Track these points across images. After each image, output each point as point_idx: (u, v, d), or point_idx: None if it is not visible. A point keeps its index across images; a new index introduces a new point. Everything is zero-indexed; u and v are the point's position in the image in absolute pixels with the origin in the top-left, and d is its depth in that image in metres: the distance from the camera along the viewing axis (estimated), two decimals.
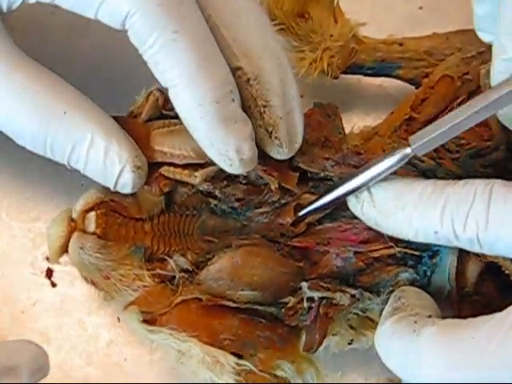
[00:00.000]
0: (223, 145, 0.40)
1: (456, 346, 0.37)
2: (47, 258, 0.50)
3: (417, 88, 0.49)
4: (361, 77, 0.52)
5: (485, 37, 0.43)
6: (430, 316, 0.40)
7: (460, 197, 0.39)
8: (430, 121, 0.46)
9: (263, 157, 0.43)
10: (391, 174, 0.42)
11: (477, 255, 0.42)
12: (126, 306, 0.42)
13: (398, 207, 0.41)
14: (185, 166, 0.42)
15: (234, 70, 0.42)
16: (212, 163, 0.41)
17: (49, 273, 0.50)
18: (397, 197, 0.41)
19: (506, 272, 0.42)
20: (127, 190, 0.41)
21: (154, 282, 0.42)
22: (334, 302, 0.43)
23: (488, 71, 0.42)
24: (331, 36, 0.48)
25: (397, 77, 0.50)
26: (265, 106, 0.42)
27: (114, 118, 0.43)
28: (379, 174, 0.41)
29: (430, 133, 0.40)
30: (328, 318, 0.43)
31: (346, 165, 0.44)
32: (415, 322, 0.39)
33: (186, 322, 0.41)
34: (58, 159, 0.41)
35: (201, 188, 0.42)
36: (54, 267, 0.50)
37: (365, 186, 0.42)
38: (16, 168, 0.51)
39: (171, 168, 0.42)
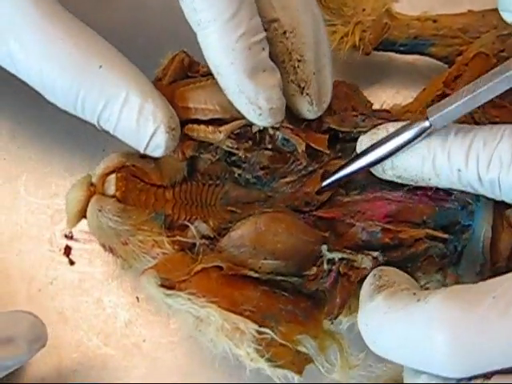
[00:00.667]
0: (253, 92, 0.38)
1: (477, 307, 0.33)
2: (66, 236, 0.49)
3: (450, 66, 0.48)
4: (392, 54, 0.50)
5: (508, 17, 0.42)
6: None
7: (487, 135, 0.38)
8: None
9: (289, 121, 0.41)
10: None
11: (511, 225, 0.41)
12: (144, 270, 0.40)
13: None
14: (209, 123, 0.41)
15: (271, 22, 0.41)
16: (237, 118, 0.40)
17: (67, 250, 0.49)
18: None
19: None
20: (159, 153, 0.40)
21: (174, 249, 0.40)
22: (355, 264, 0.41)
23: None
24: (364, 10, 0.47)
25: (430, 54, 0.48)
26: (299, 61, 0.41)
27: None
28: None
29: (448, 104, 0.38)
30: (350, 281, 0.41)
31: (377, 117, 0.42)
32: (414, 293, 0.35)
33: (205, 290, 0.39)
34: (88, 117, 0.40)
35: (224, 146, 0.41)
36: (73, 245, 0.49)
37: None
38: (35, 144, 0.50)
39: (195, 125, 0.41)
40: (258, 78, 0.39)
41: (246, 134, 0.41)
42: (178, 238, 0.41)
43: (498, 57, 0.45)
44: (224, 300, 0.39)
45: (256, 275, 0.40)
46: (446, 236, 0.42)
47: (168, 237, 0.40)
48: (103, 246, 0.41)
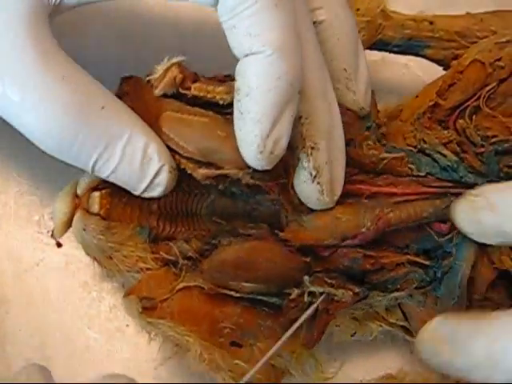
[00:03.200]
0: (269, 128, 0.37)
1: None
2: None
3: (445, 69, 0.47)
4: (386, 54, 0.49)
5: None
6: None
7: None
8: (456, 108, 0.44)
9: None
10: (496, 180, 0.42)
11: (491, 263, 0.41)
12: (126, 293, 0.41)
13: None
14: (188, 159, 0.40)
15: None
16: (214, 164, 0.40)
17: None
18: None
19: None
20: (157, 192, 0.40)
21: (157, 264, 0.41)
22: (335, 298, 0.42)
23: None
24: (358, 10, 0.46)
25: (425, 56, 0.47)
26: (312, 148, 0.40)
27: (133, 77, 0.41)
28: None
29: None
30: (328, 314, 0.42)
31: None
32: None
33: (186, 309, 0.41)
34: (82, 162, 0.38)
35: (203, 183, 0.40)
36: None
37: None
38: None
39: (177, 156, 0.40)
40: (282, 118, 0.37)
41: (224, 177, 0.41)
42: (162, 254, 0.41)
43: (494, 66, 0.44)
44: (204, 320, 0.41)
45: (237, 295, 0.41)
46: (426, 263, 0.43)
47: (152, 252, 0.41)
48: (89, 255, 0.42)
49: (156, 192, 0.40)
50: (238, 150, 0.39)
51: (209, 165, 0.40)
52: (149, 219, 0.42)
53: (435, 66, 0.48)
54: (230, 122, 0.39)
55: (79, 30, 0.51)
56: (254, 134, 0.37)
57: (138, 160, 0.38)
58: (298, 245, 0.41)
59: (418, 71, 0.52)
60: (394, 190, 0.43)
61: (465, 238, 0.42)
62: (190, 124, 0.40)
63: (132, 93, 0.40)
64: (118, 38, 0.51)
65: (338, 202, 0.42)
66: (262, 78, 0.37)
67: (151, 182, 0.39)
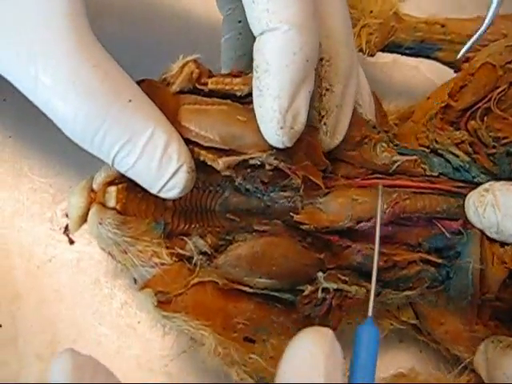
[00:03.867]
0: (288, 103, 0.38)
1: None
2: (67, 215, 0.49)
3: (456, 72, 0.48)
4: (397, 56, 0.50)
5: None
6: None
7: None
8: (467, 109, 0.45)
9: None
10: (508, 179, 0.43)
11: (502, 262, 0.42)
12: (141, 286, 0.41)
13: None
14: (209, 149, 0.40)
15: None
16: (236, 151, 0.40)
17: (67, 230, 0.50)
18: None
19: None
20: (174, 193, 0.39)
21: (172, 259, 0.41)
22: (349, 295, 0.42)
23: None
24: (371, 12, 0.47)
25: (436, 59, 0.48)
26: (327, 90, 0.41)
27: (146, 80, 0.41)
28: None
29: None
30: (341, 310, 0.43)
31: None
32: None
33: (201, 303, 0.41)
34: (104, 151, 0.38)
35: (223, 174, 0.41)
36: None
37: None
38: (40, 123, 0.50)
39: (195, 148, 0.40)
40: (300, 93, 0.38)
41: (245, 163, 0.41)
42: (177, 249, 0.41)
43: (504, 68, 0.45)
44: (218, 315, 0.41)
45: (250, 290, 0.42)
46: (438, 261, 0.43)
47: (167, 247, 0.41)
48: (103, 249, 0.42)
49: (172, 193, 0.39)
50: (259, 133, 0.39)
51: (231, 153, 0.40)
52: (164, 215, 0.42)
53: (445, 68, 0.49)
54: (249, 109, 0.39)
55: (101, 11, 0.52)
56: (273, 110, 0.38)
57: (157, 157, 0.38)
58: (313, 232, 0.42)
59: (428, 73, 0.53)
60: (409, 183, 0.43)
61: (472, 236, 0.43)
62: (208, 113, 0.41)
63: (148, 95, 0.40)
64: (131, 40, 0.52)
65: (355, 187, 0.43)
66: (279, 54, 0.37)
67: (168, 181, 0.39)
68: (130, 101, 0.38)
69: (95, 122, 0.37)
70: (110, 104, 0.37)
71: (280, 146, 0.39)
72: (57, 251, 0.50)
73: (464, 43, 0.47)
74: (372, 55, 0.47)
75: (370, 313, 0.37)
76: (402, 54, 0.49)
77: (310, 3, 0.38)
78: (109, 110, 0.37)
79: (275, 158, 0.40)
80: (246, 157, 0.40)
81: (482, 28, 0.42)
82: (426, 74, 0.53)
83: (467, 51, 0.43)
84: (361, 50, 0.47)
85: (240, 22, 0.43)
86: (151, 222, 0.41)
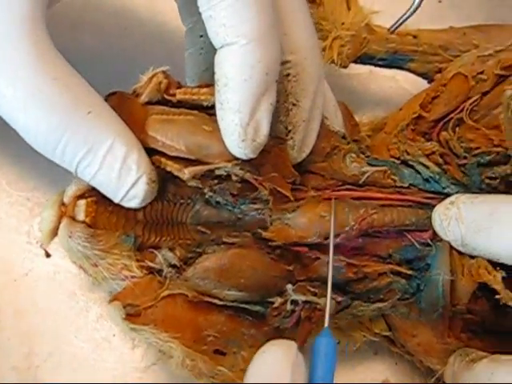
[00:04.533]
0: (249, 116, 0.38)
1: None
2: None
3: (429, 82, 0.48)
4: (373, 67, 0.50)
5: None
6: None
7: None
8: (439, 120, 0.45)
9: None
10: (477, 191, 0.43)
11: (470, 274, 0.42)
12: (110, 299, 0.41)
13: (491, 222, 0.40)
14: (176, 159, 0.41)
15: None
16: (202, 161, 0.40)
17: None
18: (490, 211, 0.40)
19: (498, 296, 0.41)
20: (134, 203, 0.40)
21: (142, 272, 0.41)
22: (318, 307, 0.42)
23: None
24: (343, 24, 0.47)
25: (409, 70, 0.48)
26: (294, 105, 0.42)
27: (117, 92, 0.41)
28: None
29: None
30: (311, 322, 0.42)
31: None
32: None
33: (170, 316, 0.41)
34: (66, 162, 0.39)
35: (189, 184, 0.41)
36: None
37: None
38: (17, 137, 0.51)
39: (162, 159, 0.40)
40: (260, 106, 0.39)
41: (211, 174, 0.41)
42: (147, 262, 0.41)
43: (476, 79, 0.44)
44: (188, 327, 0.41)
45: (220, 303, 0.42)
46: (409, 272, 0.43)
47: (137, 260, 0.41)
48: (74, 263, 0.42)
49: (133, 203, 0.40)
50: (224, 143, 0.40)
51: (197, 163, 0.40)
52: (134, 228, 0.42)
53: (422, 79, 0.48)
54: (216, 119, 0.40)
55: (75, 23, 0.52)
56: (234, 123, 0.38)
57: (117, 168, 0.39)
58: (281, 245, 0.42)
59: (406, 84, 0.53)
60: (379, 195, 0.43)
61: (441, 247, 0.43)
62: (175, 123, 0.41)
63: (117, 107, 0.40)
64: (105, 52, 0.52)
65: (323, 202, 0.43)
66: (237, 68, 0.38)
67: (128, 191, 0.39)
68: (89, 112, 0.38)
69: (55, 133, 0.38)
70: (69, 116, 0.37)
71: (243, 157, 0.40)
72: (34, 264, 0.50)
73: (437, 54, 0.47)
74: (345, 67, 0.47)
75: (326, 323, 0.37)
76: (375, 65, 0.48)
77: (269, 16, 0.38)
78: (68, 122, 0.37)
79: (241, 169, 0.40)
80: (212, 166, 0.40)
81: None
82: (403, 85, 0.53)
83: (399, 26, 0.44)
84: (333, 62, 0.47)
85: (202, 36, 0.43)
86: (121, 235, 0.41)
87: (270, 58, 0.38)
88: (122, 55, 0.52)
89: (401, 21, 0.46)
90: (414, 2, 0.45)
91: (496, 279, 0.40)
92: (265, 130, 0.39)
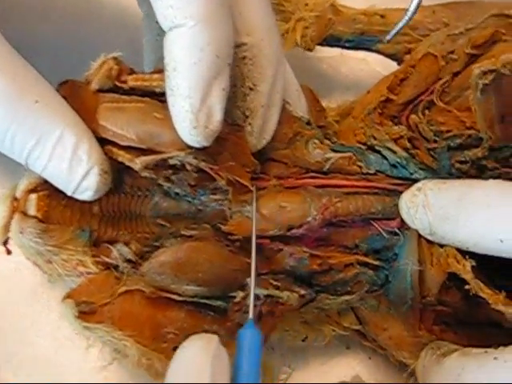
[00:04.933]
0: (200, 102, 0.36)
1: None
2: None
3: (399, 64, 0.46)
4: (344, 50, 0.48)
5: None
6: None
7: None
8: (408, 103, 0.43)
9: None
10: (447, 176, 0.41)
11: (439, 264, 0.40)
12: (63, 297, 0.39)
13: (458, 209, 0.38)
14: (128, 149, 0.39)
15: (236, 46, 0.39)
16: (154, 150, 0.38)
17: (5, 240, 0.48)
18: (458, 197, 0.38)
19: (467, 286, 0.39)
20: (87, 196, 0.38)
21: (98, 268, 0.40)
22: (280, 301, 0.40)
23: (482, 72, 0.38)
24: (306, 5, 0.45)
25: (377, 51, 0.46)
26: (251, 89, 0.40)
27: (68, 80, 0.40)
28: None
29: None
30: (274, 317, 0.41)
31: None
32: (485, 352, 0.37)
33: (128, 313, 0.39)
34: (16, 154, 0.37)
35: (142, 175, 0.39)
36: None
37: None
38: None
39: (114, 149, 0.39)
40: (212, 91, 0.37)
41: (165, 164, 0.39)
42: (103, 258, 0.40)
43: (446, 59, 0.43)
44: (147, 324, 0.39)
45: (180, 298, 0.40)
46: (376, 263, 0.41)
47: (93, 256, 0.40)
48: (28, 259, 0.40)
49: (86, 195, 0.38)
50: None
51: (149, 152, 0.39)
52: (90, 222, 0.40)
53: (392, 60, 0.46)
54: (167, 107, 0.38)
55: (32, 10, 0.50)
56: (185, 110, 0.37)
57: (67, 159, 0.37)
58: (241, 238, 0.40)
59: (378, 67, 0.51)
60: (344, 182, 0.41)
61: (409, 236, 0.41)
62: (125, 110, 0.39)
63: (70, 96, 0.39)
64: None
65: (283, 191, 0.41)
66: (185, 51, 0.36)
67: (80, 183, 0.38)
68: (36, 102, 0.36)
69: (3, 124, 0.36)
70: (14, 106, 0.36)
71: (196, 145, 0.38)
72: None
73: (405, 33, 0.45)
74: (310, 50, 0.45)
75: (250, 315, 0.36)
76: (343, 47, 0.46)
77: None
78: (14, 112, 0.36)
79: (195, 158, 0.39)
80: (164, 156, 0.38)
81: (412, 9, 0.40)
82: (375, 67, 0.51)
83: (395, 35, 0.42)
84: (297, 45, 0.45)
85: (157, 22, 0.41)
86: (76, 229, 0.40)
87: (221, 39, 0.36)
88: (84, 42, 0.50)
89: (397, 28, 0.44)
90: (409, 8, 0.43)
91: (465, 269, 0.38)
92: (218, 115, 0.37)
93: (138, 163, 0.38)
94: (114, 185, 0.40)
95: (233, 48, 0.37)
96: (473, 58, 0.43)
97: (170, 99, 0.37)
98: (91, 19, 0.51)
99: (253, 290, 0.38)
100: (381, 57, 0.47)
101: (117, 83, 0.40)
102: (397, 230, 0.41)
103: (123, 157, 0.39)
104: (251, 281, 0.38)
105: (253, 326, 0.35)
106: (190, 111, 0.36)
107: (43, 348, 0.47)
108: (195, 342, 0.34)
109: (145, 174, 0.39)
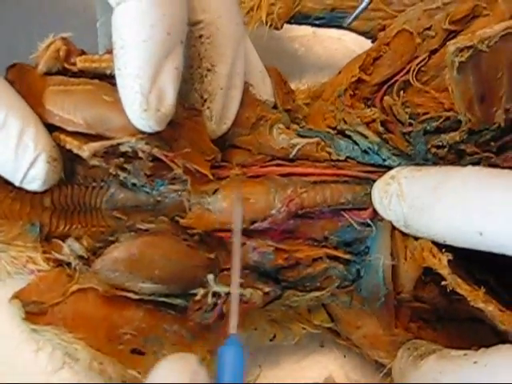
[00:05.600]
0: (149, 82, 0.33)
1: None
2: None
3: (373, 42, 0.43)
4: (317, 28, 0.45)
5: None
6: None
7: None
8: (382, 83, 0.40)
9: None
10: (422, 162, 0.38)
11: (414, 258, 0.37)
12: (11, 297, 0.36)
13: (434, 199, 0.35)
14: (76, 134, 0.36)
15: (192, 24, 0.36)
16: (103, 136, 0.36)
17: None
18: (434, 186, 0.35)
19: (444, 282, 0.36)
20: (36, 185, 0.35)
21: (49, 265, 0.37)
22: (244, 298, 0.37)
23: (458, 49, 0.35)
24: None
25: (350, 29, 0.43)
26: (209, 70, 0.37)
27: (17, 64, 0.37)
28: None
29: None
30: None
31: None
32: (465, 354, 0.34)
33: (81, 313, 0.37)
34: None
35: (91, 163, 0.36)
36: None
37: None
38: None
39: (62, 135, 0.36)
40: (163, 71, 0.34)
41: (116, 151, 0.36)
42: (54, 254, 0.37)
43: (423, 35, 0.40)
44: (101, 325, 0.37)
45: (136, 297, 0.37)
46: (346, 256, 0.39)
47: (43, 252, 0.37)
48: None
49: (35, 185, 0.35)
50: None
51: (98, 138, 0.36)
52: (41, 215, 0.37)
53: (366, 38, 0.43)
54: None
55: None
56: (134, 91, 0.34)
57: (12, 146, 0.34)
58: (201, 232, 0.37)
59: (353, 46, 0.48)
60: (310, 170, 0.39)
61: (382, 228, 0.38)
62: (73, 93, 0.36)
63: (17, 80, 0.37)
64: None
65: (246, 181, 0.38)
66: (134, 28, 0.33)
67: (27, 172, 0.35)
68: None
69: None
70: None
71: (148, 130, 0.35)
72: None
73: (379, 9, 0.42)
74: (277, 28, 0.42)
75: (231, 329, 0.32)
76: (313, 25, 0.43)
77: None
78: None
79: (147, 143, 0.36)
80: (114, 142, 0.36)
81: None
82: (351, 46, 0.48)
83: (355, 19, 0.39)
84: (266, 24, 0.42)
85: None
86: (26, 223, 0.37)
87: (172, 15, 0.33)
88: (41, 26, 0.48)
89: (357, 12, 0.41)
90: None
91: (441, 263, 0.35)
92: (170, 97, 0.34)
93: (85, 150, 0.36)
94: (67, 175, 0.37)
95: (186, 24, 0.35)
96: (451, 35, 0.40)
97: (118, 80, 0.34)
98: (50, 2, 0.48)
99: (235, 298, 0.34)
100: (357, 36, 0.44)
101: (65, 65, 0.37)
102: (369, 221, 0.38)
103: (71, 143, 0.36)
104: (233, 286, 0.35)
105: (236, 342, 0.32)
106: (140, 92, 0.34)
107: None
108: (173, 360, 0.31)
109: (94, 162, 0.36)
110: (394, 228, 0.38)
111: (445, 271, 0.35)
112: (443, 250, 0.36)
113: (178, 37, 0.34)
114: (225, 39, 0.37)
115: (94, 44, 0.40)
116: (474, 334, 0.38)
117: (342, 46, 0.48)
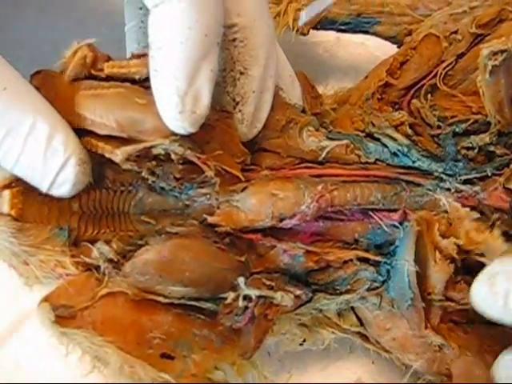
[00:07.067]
0: (186, 84, 0.34)
1: None
2: None
3: (399, 47, 0.43)
4: (341, 34, 0.45)
5: None
6: None
7: None
8: (410, 87, 0.40)
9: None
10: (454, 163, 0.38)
11: (446, 258, 0.37)
12: (40, 301, 0.36)
13: None
14: (107, 138, 0.36)
15: (226, 27, 0.36)
16: (135, 139, 0.36)
17: None
18: None
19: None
20: (65, 190, 0.35)
21: (78, 269, 0.37)
22: (274, 302, 0.37)
23: (491, 52, 0.35)
24: None
25: (376, 34, 0.43)
26: (241, 73, 0.37)
27: (42, 70, 0.37)
28: None
29: None
30: (267, 320, 0.38)
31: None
32: None
33: (111, 317, 0.36)
34: None
35: (124, 167, 0.36)
36: None
37: None
38: None
39: (93, 140, 0.36)
40: (200, 72, 0.34)
41: (148, 154, 0.36)
42: (82, 257, 0.37)
43: (450, 39, 0.40)
44: (131, 329, 0.36)
45: (166, 300, 0.37)
46: (376, 258, 0.38)
47: (72, 256, 0.37)
48: (4, 261, 0.38)
49: (64, 189, 0.35)
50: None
51: (130, 141, 0.36)
52: (69, 220, 0.37)
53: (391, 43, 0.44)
54: (151, 93, 0.35)
55: None
56: (170, 92, 0.34)
57: (41, 151, 0.34)
58: (231, 231, 0.37)
59: (377, 51, 0.48)
60: (341, 171, 0.39)
61: (408, 231, 0.38)
62: (104, 97, 0.36)
63: (43, 86, 0.36)
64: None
65: (276, 179, 0.38)
66: (172, 30, 0.33)
67: (57, 176, 0.35)
68: (4, 89, 0.34)
69: None
70: None
71: (182, 131, 0.35)
72: None
73: (405, 14, 0.42)
74: (303, 34, 0.43)
75: None
76: (340, 30, 0.44)
77: None
78: None
79: (180, 145, 0.36)
80: (147, 144, 0.36)
81: None
82: (374, 52, 0.48)
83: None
84: (292, 29, 0.42)
85: (141, 8, 0.39)
86: (54, 228, 0.37)
87: (210, 17, 0.34)
88: (67, 32, 0.48)
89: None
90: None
91: (494, 235, 0.36)
92: (205, 99, 0.34)
93: (118, 154, 0.36)
94: (95, 180, 0.37)
95: (222, 27, 0.35)
96: (478, 39, 0.40)
97: (153, 81, 0.35)
98: (73, 8, 0.48)
99: None
100: (380, 40, 0.44)
101: (92, 71, 0.37)
102: (396, 223, 0.38)
103: (103, 148, 0.36)
104: None
105: None
106: (176, 94, 0.34)
107: (24, 356, 0.44)
108: None
109: (127, 166, 0.36)
110: (420, 230, 0.37)
111: (498, 241, 0.36)
112: None
113: (215, 38, 0.34)
114: (258, 42, 0.37)
115: (117, 49, 0.40)
116: (507, 337, 0.38)
117: (366, 51, 0.48)
